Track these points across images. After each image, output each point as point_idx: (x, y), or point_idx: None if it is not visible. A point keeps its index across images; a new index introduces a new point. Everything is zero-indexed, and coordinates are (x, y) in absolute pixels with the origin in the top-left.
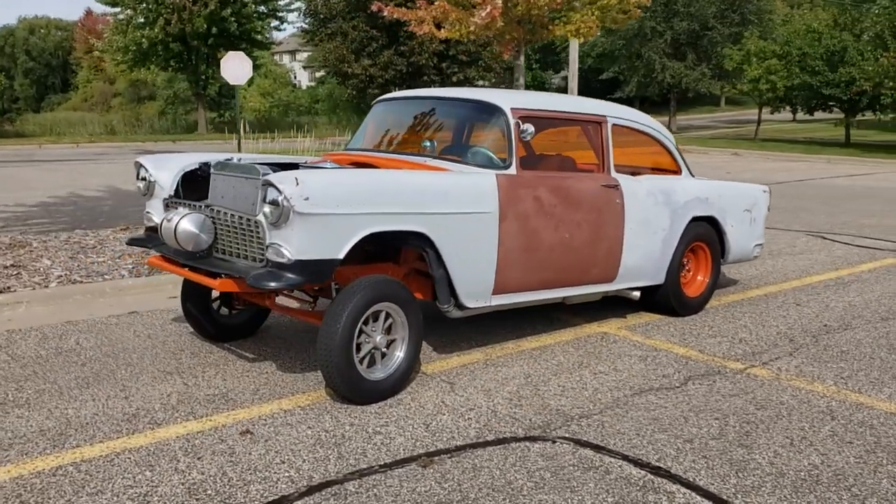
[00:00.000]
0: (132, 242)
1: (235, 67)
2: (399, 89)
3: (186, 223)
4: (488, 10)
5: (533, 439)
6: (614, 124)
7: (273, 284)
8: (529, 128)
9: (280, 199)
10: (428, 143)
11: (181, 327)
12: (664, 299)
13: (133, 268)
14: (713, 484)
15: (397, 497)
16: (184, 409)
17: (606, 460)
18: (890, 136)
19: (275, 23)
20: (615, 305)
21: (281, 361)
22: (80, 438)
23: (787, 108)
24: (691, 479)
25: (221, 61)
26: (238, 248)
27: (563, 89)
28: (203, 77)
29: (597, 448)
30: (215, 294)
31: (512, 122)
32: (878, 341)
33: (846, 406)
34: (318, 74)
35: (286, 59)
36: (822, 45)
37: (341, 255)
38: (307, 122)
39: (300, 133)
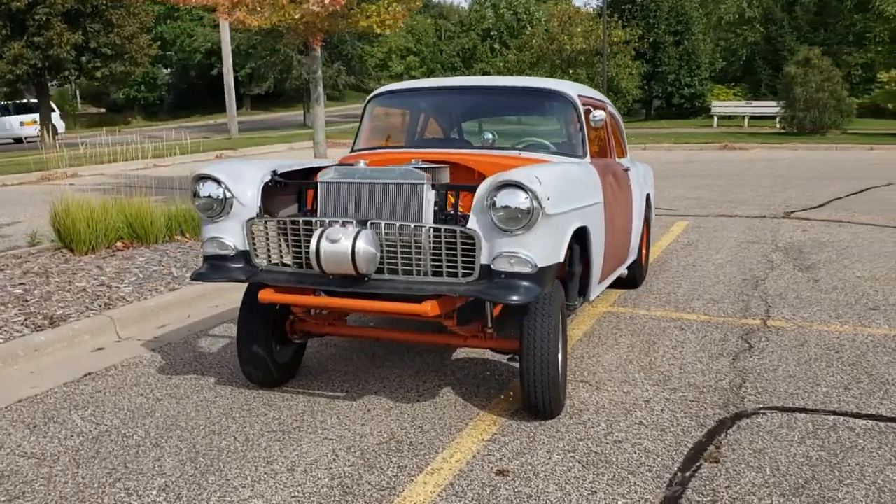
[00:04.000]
0: (202, 278)
1: None
2: (33, 86)
3: (365, 243)
4: None
5: (746, 416)
6: (609, 112)
7: (515, 298)
8: (600, 114)
9: (530, 201)
10: (490, 136)
11: (185, 380)
12: (632, 273)
13: (25, 319)
14: None
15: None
16: (387, 466)
17: (831, 419)
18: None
19: None
20: None
21: (380, 392)
22: None
23: None
24: None
25: None
26: (399, 264)
27: (173, 85)
28: None
29: (806, 411)
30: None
31: (582, 109)
32: (800, 286)
33: (884, 339)
34: None
35: None
36: (456, 43)
37: (562, 258)
38: None
39: None
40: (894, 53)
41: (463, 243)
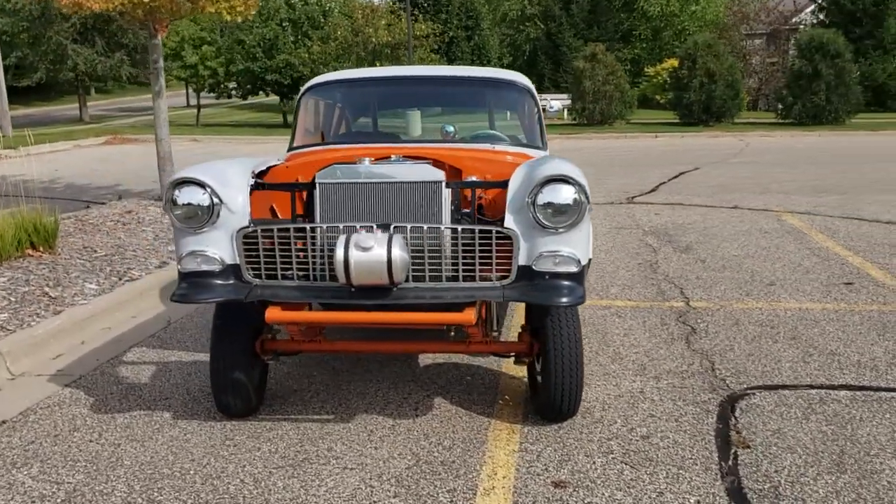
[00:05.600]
0: (185, 299)
1: None
2: None
3: (401, 250)
4: None
5: (739, 398)
6: None
7: (565, 300)
8: (557, 104)
9: (578, 195)
10: (451, 129)
11: (133, 418)
12: None
13: None
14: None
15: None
16: (436, 492)
17: (814, 393)
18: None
19: None
20: None
21: (370, 410)
22: None
23: (232, 92)
24: (887, 384)
25: None
26: (427, 270)
27: None
28: None
29: (786, 387)
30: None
31: (539, 100)
32: (693, 267)
33: (800, 312)
34: None
35: None
36: (256, 33)
37: (591, 254)
38: None
39: None
40: (655, 50)
41: (499, 244)
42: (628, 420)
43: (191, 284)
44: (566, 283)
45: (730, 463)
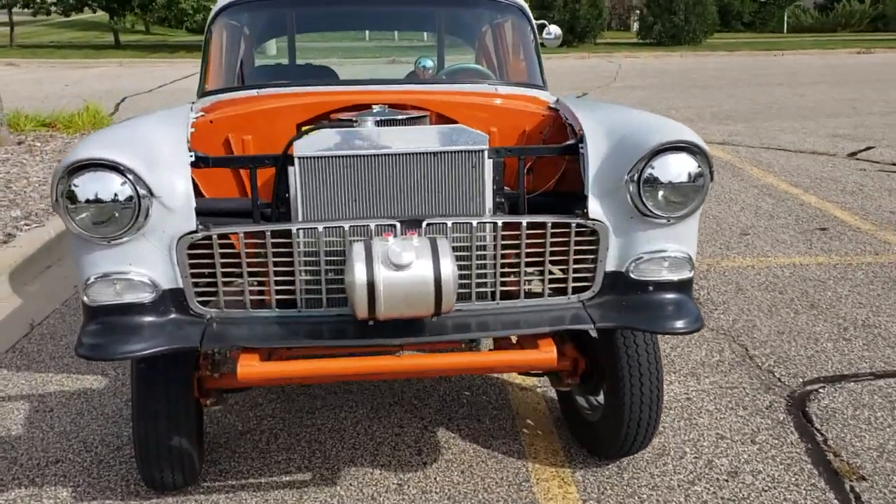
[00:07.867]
0: (100, 352)
1: None
2: None
3: (452, 263)
4: None
5: (805, 400)
6: None
7: (681, 325)
8: (555, 29)
9: (704, 169)
10: (430, 63)
11: (22, 498)
12: None
13: None
14: None
15: None
16: None
17: (882, 384)
18: (155, 37)
19: None
20: None
21: (358, 459)
22: None
23: (52, 9)
24: None
25: None
26: (473, 286)
27: None
28: None
29: (846, 378)
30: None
31: (536, 24)
32: None
33: (796, 269)
34: None
35: None
36: None
37: None
38: None
39: None
40: None
41: (580, 242)
42: (698, 448)
43: (106, 327)
44: (676, 297)
45: None
